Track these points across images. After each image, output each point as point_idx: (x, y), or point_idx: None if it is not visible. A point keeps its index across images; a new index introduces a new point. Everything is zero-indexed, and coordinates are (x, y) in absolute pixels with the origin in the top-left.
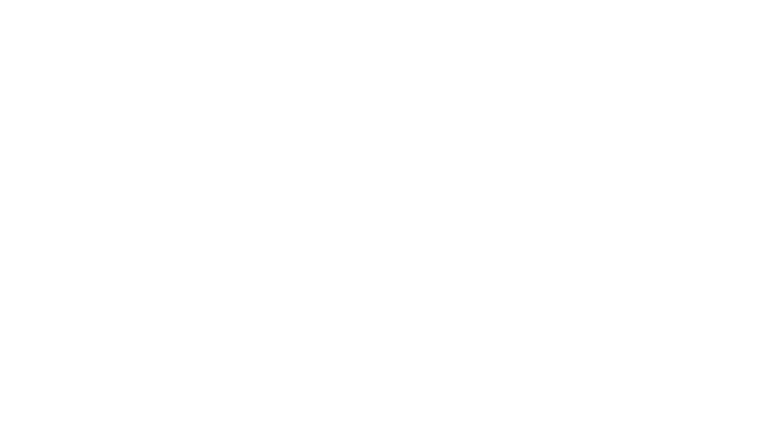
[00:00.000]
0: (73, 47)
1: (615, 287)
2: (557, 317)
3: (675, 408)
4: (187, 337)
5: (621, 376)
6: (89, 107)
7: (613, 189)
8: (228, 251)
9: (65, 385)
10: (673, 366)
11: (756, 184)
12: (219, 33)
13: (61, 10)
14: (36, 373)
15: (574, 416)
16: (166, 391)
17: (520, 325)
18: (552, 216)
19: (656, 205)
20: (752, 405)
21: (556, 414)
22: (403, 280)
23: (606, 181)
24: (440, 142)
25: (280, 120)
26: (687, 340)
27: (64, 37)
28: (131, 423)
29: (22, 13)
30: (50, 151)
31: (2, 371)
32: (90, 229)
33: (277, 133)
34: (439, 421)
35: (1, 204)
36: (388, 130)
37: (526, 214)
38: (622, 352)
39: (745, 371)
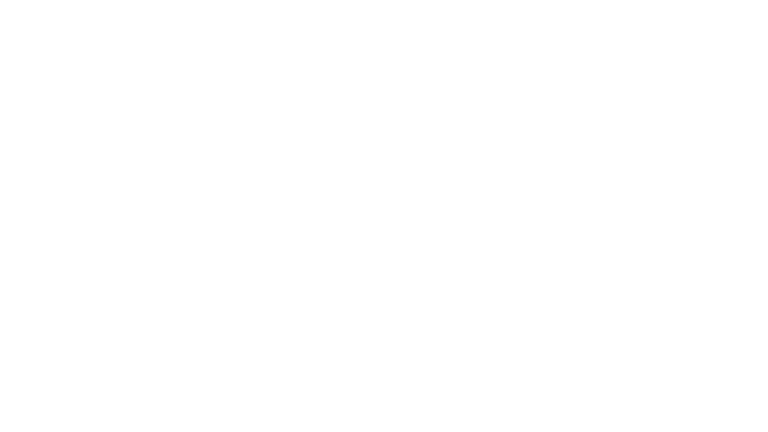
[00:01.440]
0: (73, 47)
1: (615, 287)
2: (557, 317)
3: (674, 408)
4: (186, 337)
5: (620, 375)
6: (89, 107)
7: (613, 189)
8: (228, 251)
9: (65, 385)
10: (672, 366)
11: (756, 184)
12: (219, 33)
13: (61, 10)
14: (36, 374)
15: (573, 416)
16: (165, 391)
17: (519, 324)
18: (552, 216)
19: (656, 205)
20: (752, 405)
21: (555, 414)
22: (402, 280)
23: (606, 181)
24: (440, 142)
25: (280, 120)
26: (686, 340)
27: (64, 37)
28: (131, 423)
29: (22, 13)
30: (50, 151)
31: (2, 371)
32: (90, 228)
33: (277, 133)
34: (438, 421)
35: (1, 204)
36: (388, 130)
37: (525, 213)
38: (621, 352)
39: (745, 371)
